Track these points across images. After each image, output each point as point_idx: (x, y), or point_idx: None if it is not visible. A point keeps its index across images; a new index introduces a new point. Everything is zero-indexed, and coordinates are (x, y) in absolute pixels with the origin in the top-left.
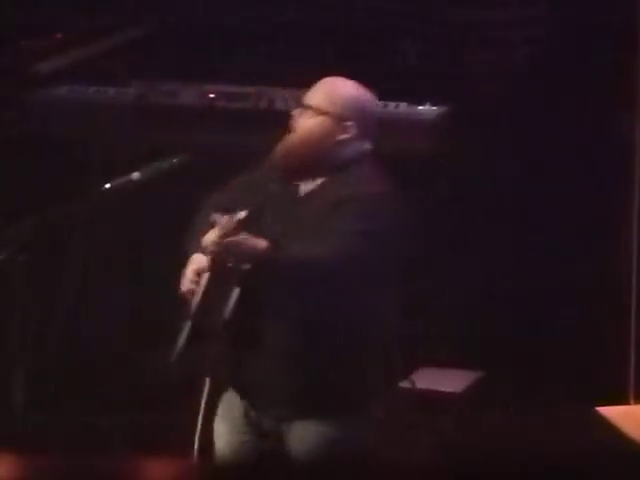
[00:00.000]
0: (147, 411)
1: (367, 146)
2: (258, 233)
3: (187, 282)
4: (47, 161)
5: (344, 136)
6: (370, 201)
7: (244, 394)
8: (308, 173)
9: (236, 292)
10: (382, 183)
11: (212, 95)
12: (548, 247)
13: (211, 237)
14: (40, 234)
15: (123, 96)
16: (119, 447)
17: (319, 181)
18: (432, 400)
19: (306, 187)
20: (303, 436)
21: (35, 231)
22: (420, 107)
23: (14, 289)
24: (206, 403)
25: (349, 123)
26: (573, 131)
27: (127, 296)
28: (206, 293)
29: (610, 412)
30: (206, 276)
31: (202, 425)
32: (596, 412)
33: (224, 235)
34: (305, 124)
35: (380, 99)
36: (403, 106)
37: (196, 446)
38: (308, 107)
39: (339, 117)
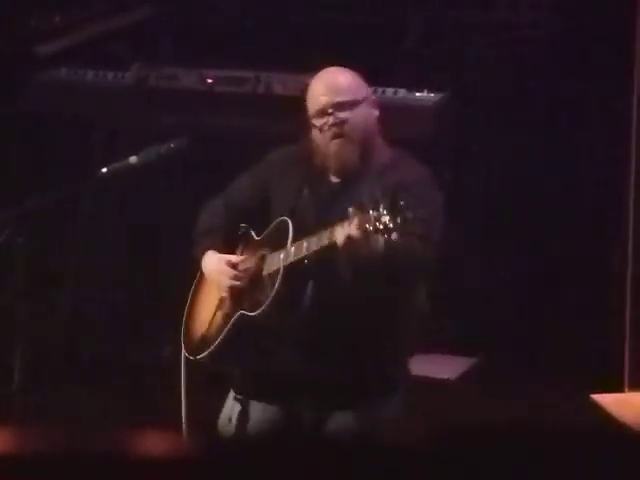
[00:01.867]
0: (145, 394)
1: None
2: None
3: (230, 280)
4: (46, 144)
5: (377, 114)
6: (426, 183)
7: (280, 390)
8: (359, 167)
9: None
10: (415, 161)
11: (210, 80)
12: (548, 235)
13: (348, 231)
14: (39, 217)
15: (122, 79)
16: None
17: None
18: (427, 387)
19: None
20: (346, 421)
21: (34, 214)
22: (418, 94)
23: (14, 271)
24: (185, 380)
25: (374, 98)
26: (572, 117)
27: (126, 278)
28: (280, 290)
29: (605, 399)
30: (280, 273)
31: (186, 402)
32: (591, 399)
33: (363, 230)
34: (355, 119)
35: (379, 85)
36: (402, 92)
37: (184, 423)
38: (343, 104)
39: (370, 98)
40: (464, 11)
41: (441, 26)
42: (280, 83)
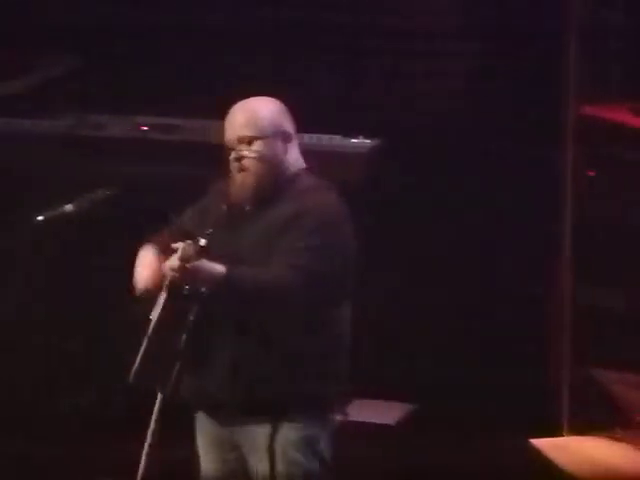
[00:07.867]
0: (81, 442)
1: (301, 160)
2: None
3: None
4: None
5: (291, 151)
6: (322, 214)
7: (201, 405)
8: (267, 197)
9: (192, 313)
10: (328, 194)
11: (145, 127)
12: (484, 282)
13: (171, 263)
14: None
15: (56, 128)
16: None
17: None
18: (366, 432)
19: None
20: (264, 441)
21: None
22: (353, 140)
23: None
24: (155, 421)
25: (291, 133)
26: (505, 163)
27: (61, 327)
28: (161, 317)
29: (543, 444)
30: (162, 298)
31: (150, 442)
32: (530, 444)
33: (185, 260)
34: (259, 154)
35: (313, 132)
36: (337, 139)
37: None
38: (245, 138)
39: (282, 135)
40: (400, 58)
41: (377, 73)
42: (213, 130)
